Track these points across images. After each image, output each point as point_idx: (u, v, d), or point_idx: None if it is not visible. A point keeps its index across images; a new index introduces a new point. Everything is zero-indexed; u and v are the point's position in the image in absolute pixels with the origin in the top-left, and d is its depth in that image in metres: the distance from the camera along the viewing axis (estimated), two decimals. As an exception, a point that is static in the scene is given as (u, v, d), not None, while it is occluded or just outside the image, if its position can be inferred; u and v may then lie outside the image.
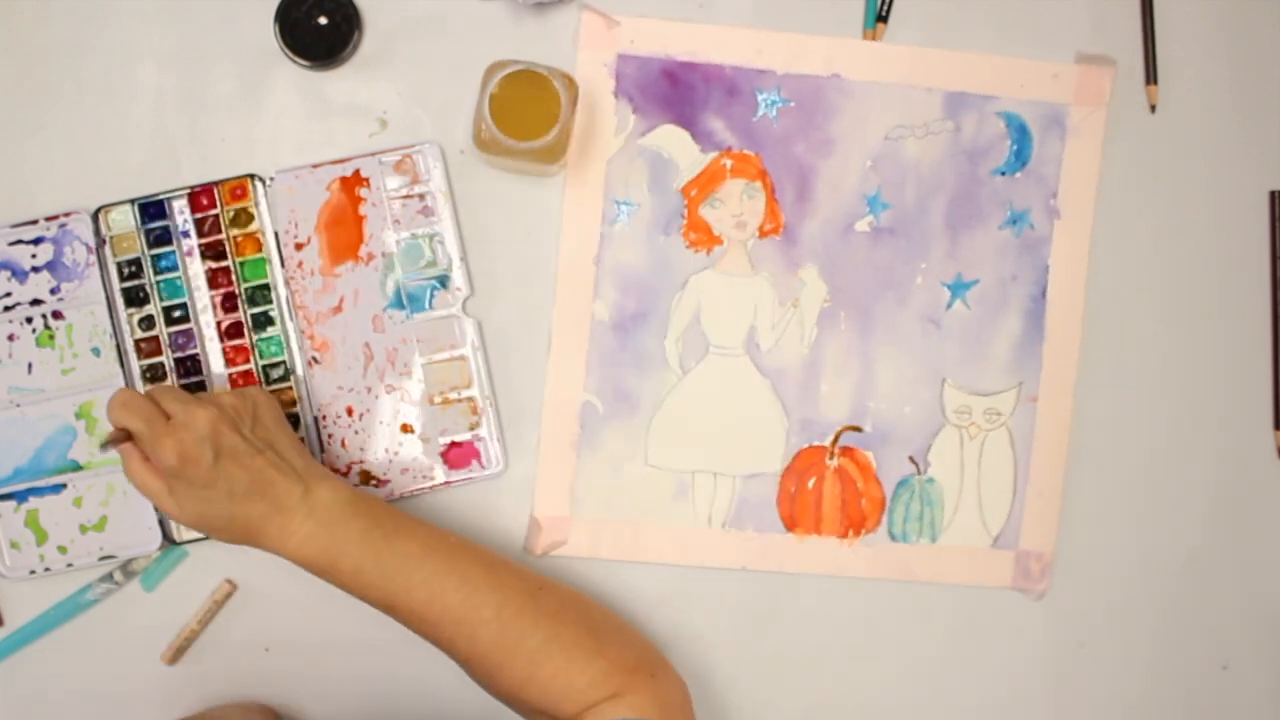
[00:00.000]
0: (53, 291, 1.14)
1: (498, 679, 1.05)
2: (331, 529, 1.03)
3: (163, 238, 1.15)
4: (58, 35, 1.16)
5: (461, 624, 1.03)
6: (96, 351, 1.14)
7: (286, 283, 1.15)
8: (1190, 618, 1.24)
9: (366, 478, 1.17)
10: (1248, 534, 1.24)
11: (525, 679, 1.03)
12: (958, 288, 1.21)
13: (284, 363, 1.16)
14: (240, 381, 1.15)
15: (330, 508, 1.04)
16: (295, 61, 1.16)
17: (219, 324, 1.15)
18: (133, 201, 1.14)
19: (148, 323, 1.15)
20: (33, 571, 1.15)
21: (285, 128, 1.17)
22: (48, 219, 1.14)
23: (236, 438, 1.03)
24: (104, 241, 1.14)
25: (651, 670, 1.05)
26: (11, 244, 1.14)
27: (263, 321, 1.15)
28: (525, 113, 1.06)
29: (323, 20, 1.15)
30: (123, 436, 1.03)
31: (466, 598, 1.03)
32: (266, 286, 1.15)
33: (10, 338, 1.14)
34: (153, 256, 1.15)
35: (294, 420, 1.16)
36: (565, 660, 1.03)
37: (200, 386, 1.15)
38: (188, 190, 1.15)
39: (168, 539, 1.15)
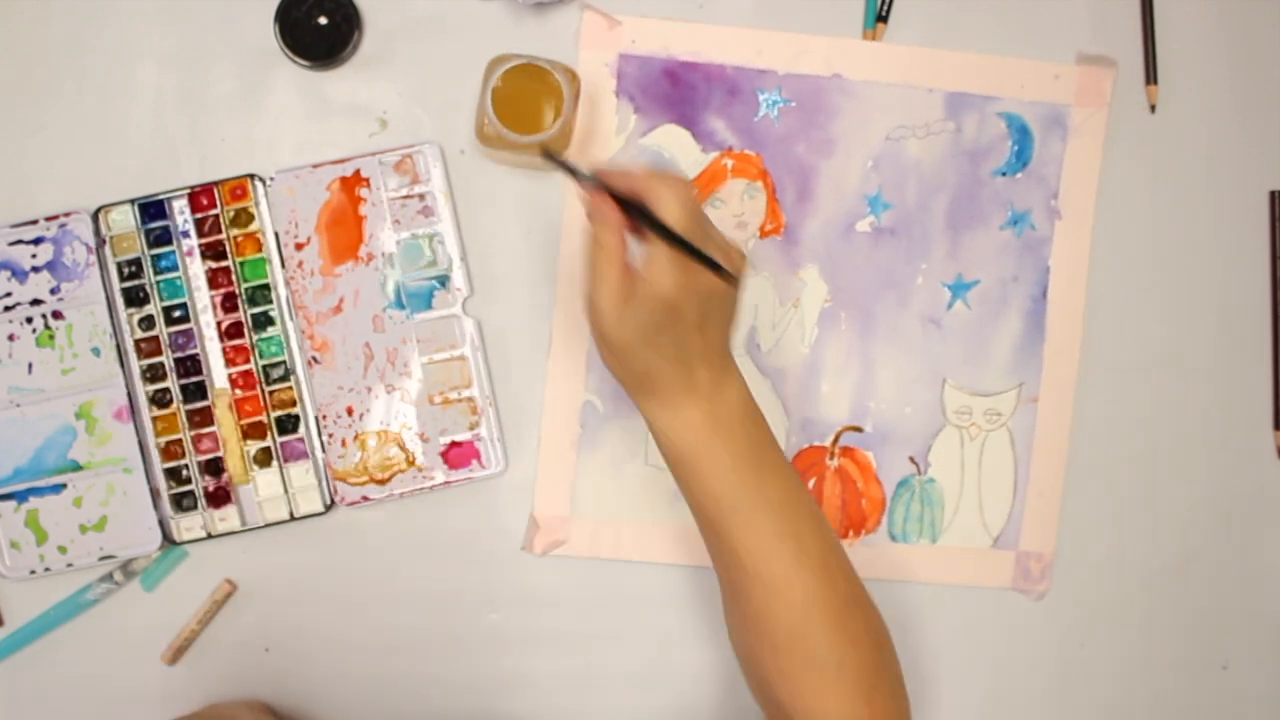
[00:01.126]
0: (53, 291, 1.13)
1: (763, 655, 0.98)
2: (718, 427, 0.96)
3: (163, 238, 1.14)
4: (58, 35, 1.15)
5: (771, 591, 0.96)
6: (96, 351, 1.13)
7: (287, 283, 1.14)
8: (1190, 618, 1.23)
9: (367, 478, 1.15)
10: (1248, 534, 1.23)
11: (786, 674, 0.97)
12: (958, 288, 1.20)
13: (284, 363, 1.15)
14: (240, 381, 1.14)
15: (731, 408, 0.97)
16: (295, 61, 1.15)
17: (219, 324, 1.14)
18: (133, 201, 1.13)
19: (148, 323, 1.14)
20: (33, 571, 1.14)
21: (285, 128, 1.16)
22: (48, 219, 1.13)
23: (720, 309, 0.95)
24: (104, 241, 1.13)
25: None
26: (11, 244, 1.13)
27: (263, 321, 1.14)
28: (527, 106, 1.06)
29: (323, 20, 1.14)
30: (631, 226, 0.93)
31: (789, 570, 0.96)
32: (267, 286, 1.14)
33: (10, 338, 1.13)
34: (153, 256, 1.14)
35: (293, 420, 1.15)
36: (834, 684, 0.96)
37: (201, 387, 1.14)
38: (188, 190, 1.14)
39: (168, 539, 1.14)
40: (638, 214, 0.91)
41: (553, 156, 0.94)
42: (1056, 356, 1.21)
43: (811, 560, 0.97)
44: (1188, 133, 1.22)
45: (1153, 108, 1.21)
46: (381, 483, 1.15)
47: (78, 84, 1.15)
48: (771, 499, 0.97)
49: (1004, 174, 1.20)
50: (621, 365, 0.95)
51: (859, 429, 1.20)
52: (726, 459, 0.96)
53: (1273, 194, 1.22)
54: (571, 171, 0.94)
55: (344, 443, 1.15)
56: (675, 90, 1.18)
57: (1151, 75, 1.21)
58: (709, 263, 0.91)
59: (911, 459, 1.21)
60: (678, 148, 1.18)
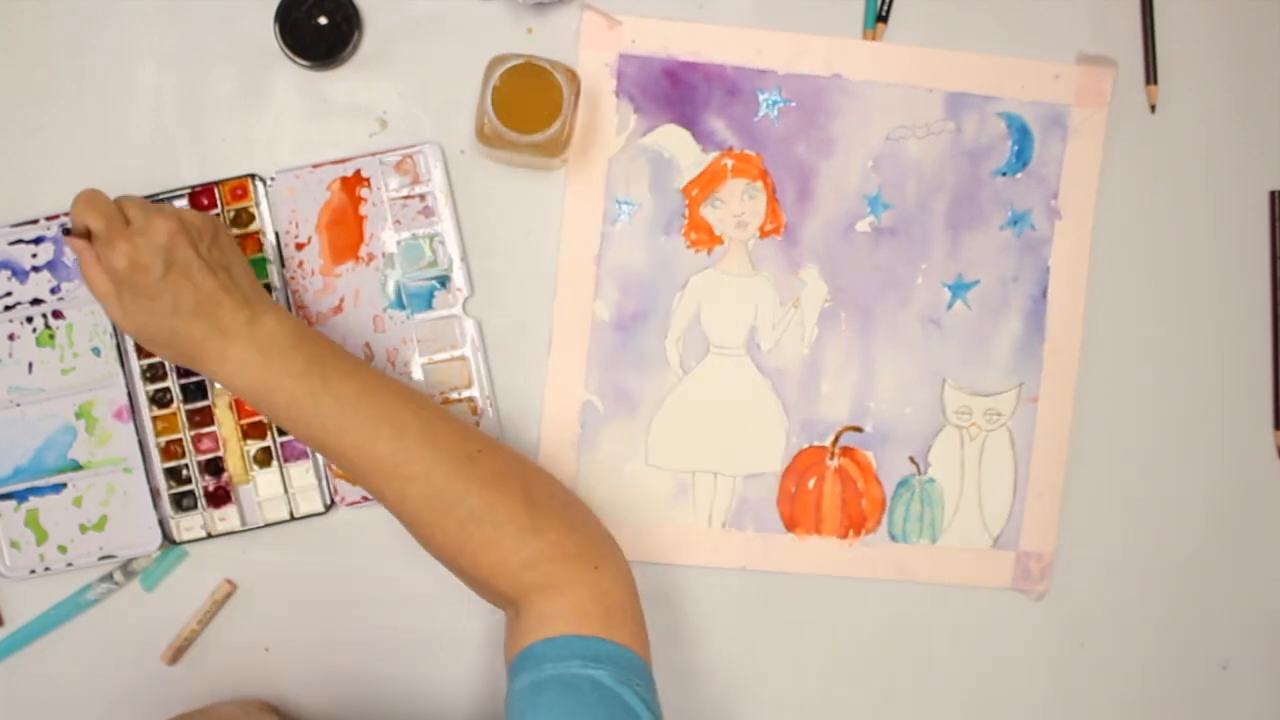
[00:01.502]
0: (53, 291, 1.12)
1: (430, 543, 1.01)
2: (269, 358, 1.00)
3: None
4: (58, 35, 1.14)
5: (391, 478, 0.99)
6: (97, 351, 1.13)
7: (287, 283, 1.14)
8: (1190, 618, 1.23)
9: None
10: (1248, 534, 1.23)
11: (456, 547, 0.99)
12: (958, 288, 1.19)
13: None
14: None
15: (273, 337, 1.01)
16: (295, 61, 1.14)
17: None
18: None
19: None
20: (33, 571, 1.13)
21: (285, 128, 1.16)
22: (48, 218, 1.12)
23: (191, 253, 1.00)
24: None
25: (595, 560, 1.00)
26: (12, 243, 1.12)
27: None
28: (528, 106, 1.05)
29: (323, 20, 1.14)
30: (83, 232, 1.01)
31: (396, 450, 0.99)
32: (267, 286, 1.13)
33: (10, 337, 1.12)
34: None
35: None
36: (496, 534, 0.98)
37: (201, 386, 1.13)
38: (188, 190, 1.13)
39: (168, 539, 1.13)
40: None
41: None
42: (1056, 356, 1.20)
43: (413, 432, 1.00)
44: (1188, 133, 1.21)
45: (1153, 108, 1.21)
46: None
47: (78, 84, 1.14)
48: (347, 395, 1.00)
49: (1004, 174, 1.19)
50: (157, 345, 1.01)
51: (859, 429, 1.19)
52: (289, 381, 1.00)
53: (1273, 194, 1.22)
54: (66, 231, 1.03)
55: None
56: (675, 90, 1.17)
57: (1151, 75, 1.20)
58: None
59: (911, 459, 1.20)
60: (678, 148, 1.17)
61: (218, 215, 1.06)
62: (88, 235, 1.01)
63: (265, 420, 1.14)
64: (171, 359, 1.03)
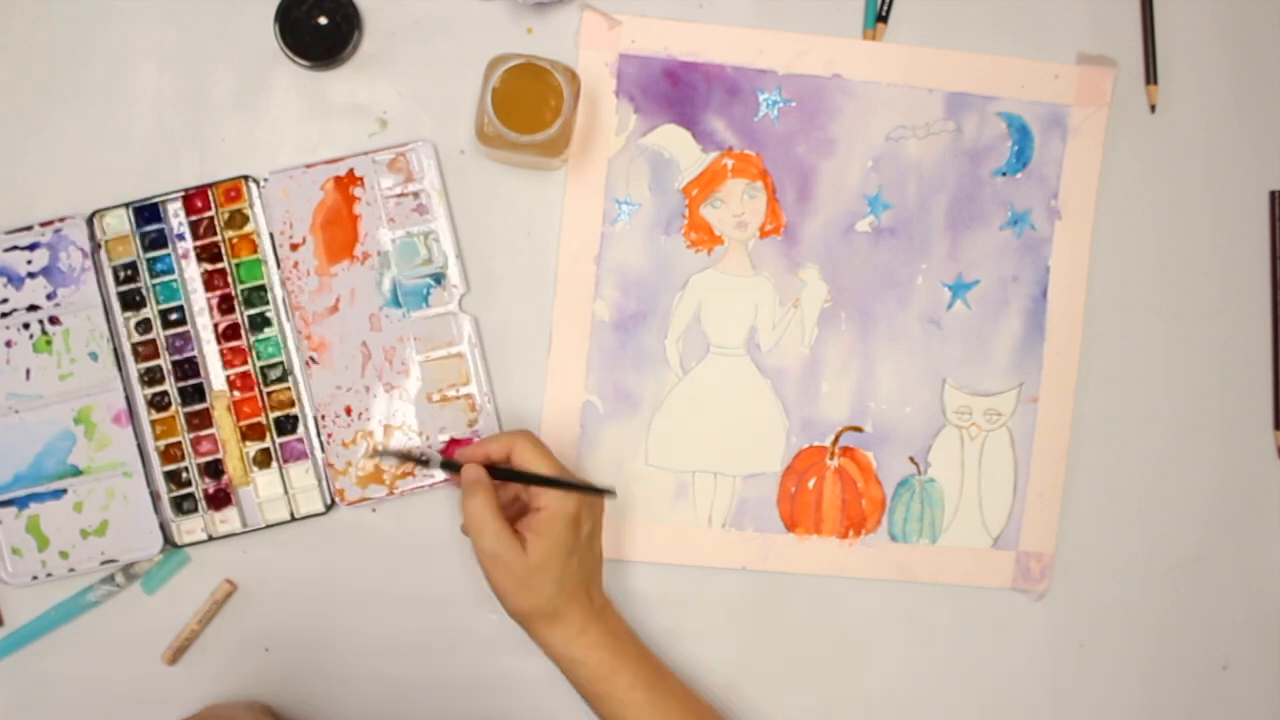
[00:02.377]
0: (49, 297, 1.11)
1: None
2: (620, 642, 1.07)
3: (158, 241, 1.12)
4: (58, 35, 1.13)
5: None
6: (94, 356, 1.11)
7: (283, 283, 1.12)
8: (1190, 618, 1.21)
9: (367, 478, 1.13)
10: (1248, 534, 1.21)
11: None
12: (958, 288, 1.18)
13: (281, 363, 1.13)
14: (238, 383, 1.12)
15: (620, 623, 1.09)
16: (295, 61, 1.13)
17: (216, 326, 1.12)
18: (127, 205, 1.12)
19: (145, 326, 1.12)
20: (35, 578, 1.12)
21: (285, 128, 1.14)
22: (42, 224, 1.11)
23: (600, 526, 1.08)
24: (99, 245, 1.11)
25: None
26: (7, 250, 1.11)
27: (260, 323, 1.12)
28: (528, 106, 1.04)
29: (323, 20, 1.12)
30: (487, 461, 1.05)
31: None
32: (263, 288, 1.12)
33: (7, 344, 1.11)
34: (148, 260, 1.12)
35: (292, 421, 1.13)
36: None
37: (199, 389, 1.12)
38: (182, 193, 1.12)
39: (169, 542, 1.12)
40: (507, 474, 1.04)
41: (410, 456, 1.08)
42: (1056, 356, 1.19)
43: None
44: (1188, 133, 1.20)
45: (1153, 108, 1.19)
46: (382, 481, 1.13)
47: (77, 85, 1.13)
48: (676, 695, 1.08)
49: (1004, 174, 1.18)
50: (533, 592, 1.03)
51: (859, 429, 1.18)
52: (634, 666, 1.07)
53: (1273, 194, 1.20)
54: (425, 462, 1.06)
55: (343, 442, 1.13)
56: (675, 90, 1.16)
57: (1151, 75, 1.19)
58: (584, 488, 1.04)
59: (911, 459, 1.18)
60: (678, 147, 1.16)
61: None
62: (488, 471, 1.04)
63: (264, 421, 1.12)
64: (526, 609, 1.04)
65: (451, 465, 1.05)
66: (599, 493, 1.05)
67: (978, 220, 1.18)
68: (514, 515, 1.05)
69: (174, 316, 1.11)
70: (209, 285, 1.12)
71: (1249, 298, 1.21)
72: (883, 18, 1.16)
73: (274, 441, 1.12)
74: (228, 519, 1.12)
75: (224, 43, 1.14)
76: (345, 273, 1.12)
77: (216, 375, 1.12)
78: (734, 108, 1.16)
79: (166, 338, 1.11)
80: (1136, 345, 1.20)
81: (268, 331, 1.12)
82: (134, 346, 1.11)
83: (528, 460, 1.03)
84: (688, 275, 1.16)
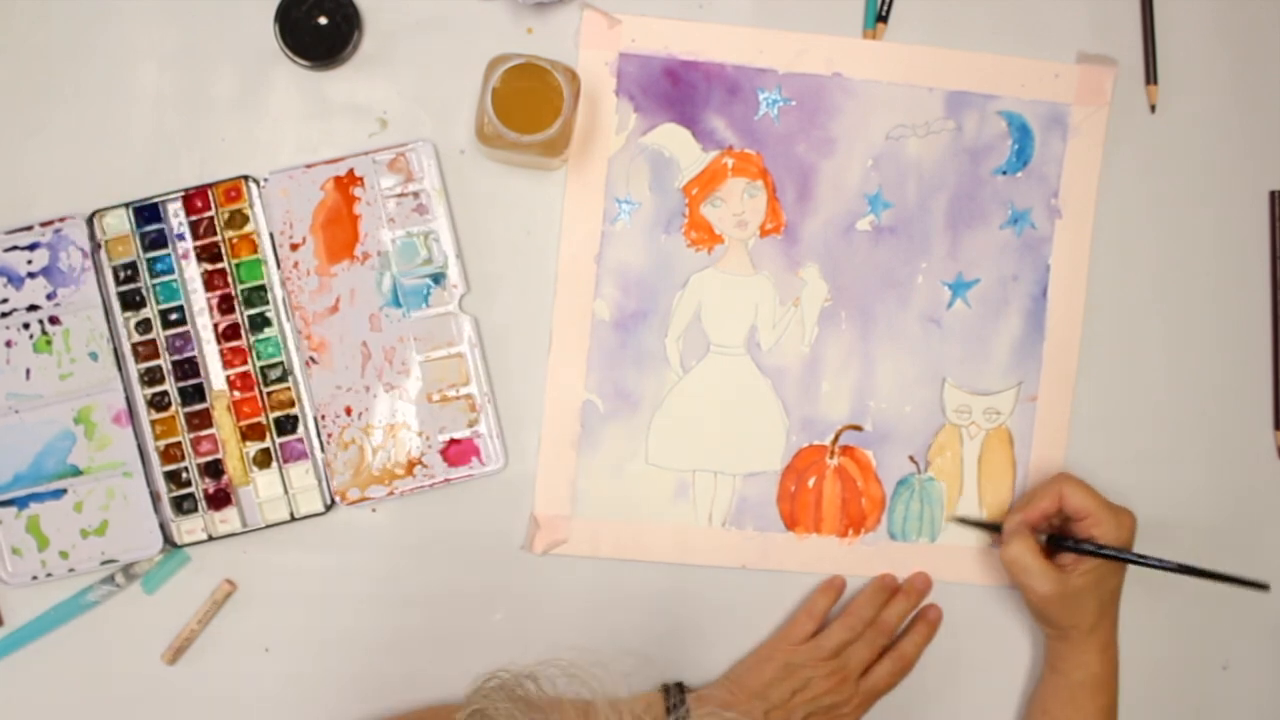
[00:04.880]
0: (49, 297, 1.10)
1: None
2: (1116, 671, 1.14)
3: (158, 241, 1.10)
4: (58, 35, 1.12)
5: None
6: (94, 356, 1.10)
7: (283, 283, 1.11)
8: (1190, 618, 1.20)
9: (367, 478, 1.12)
10: (1248, 534, 1.20)
11: None
12: (958, 287, 1.17)
13: (281, 363, 1.11)
14: (238, 383, 1.11)
15: (1117, 653, 1.15)
16: (295, 61, 1.12)
17: (216, 326, 1.11)
18: (127, 205, 1.10)
19: (144, 326, 1.10)
20: (35, 578, 1.10)
21: (285, 128, 1.13)
22: (43, 224, 1.10)
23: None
24: (99, 246, 1.10)
25: None
26: (7, 250, 1.10)
27: (260, 323, 1.11)
28: (528, 106, 1.03)
29: (323, 20, 1.11)
30: (1042, 523, 1.13)
31: None
32: (263, 288, 1.11)
33: (7, 344, 1.10)
34: (148, 260, 1.10)
35: (292, 421, 1.11)
36: None
37: (199, 389, 1.11)
38: (182, 193, 1.11)
39: (169, 542, 1.11)
40: (1069, 547, 1.10)
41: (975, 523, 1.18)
42: (1056, 356, 1.18)
43: None
44: (1188, 133, 1.19)
45: (1153, 108, 1.18)
46: (382, 481, 1.12)
47: (77, 85, 1.12)
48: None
49: (1004, 173, 1.17)
50: (1075, 612, 1.10)
51: (859, 428, 1.17)
52: (1113, 685, 1.14)
53: (1273, 194, 1.19)
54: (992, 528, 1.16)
55: (343, 442, 1.12)
56: (675, 89, 1.15)
57: (1151, 75, 1.18)
58: (1231, 579, 1.09)
59: (911, 458, 1.17)
60: (678, 146, 1.15)
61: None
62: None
63: (264, 422, 1.11)
64: (1070, 622, 1.11)
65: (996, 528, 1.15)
66: (1248, 585, 1.08)
67: (978, 219, 1.17)
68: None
69: (174, 316, 1.10)
70: (209, 285, 1.11)
71: (1249, 298, 1.20)
72: (883, 17, 1.15)
73: (274, 441, 1.11)
74: (228, 519, 1.11)
75: (224, 43, 1.12)
76: (345, 273, 1.11)
77: (216, 375, 1.11)
78: (734, 107, 1.15)
79: (166, 338, 1.10)
80: (1136, 345, 1.19)
81: (268, 331, 1.11)
82: (134, 346, 1.10)
83: (1075, 503, 1.09)
84: (688, 274, 1.15)
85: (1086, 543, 1.08)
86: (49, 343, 1.09)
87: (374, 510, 1.13)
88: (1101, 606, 1.10)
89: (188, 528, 1.11)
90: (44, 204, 1.11)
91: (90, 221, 1.10)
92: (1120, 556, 1.08)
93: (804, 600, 1.16)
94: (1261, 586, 1.07)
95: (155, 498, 1.10)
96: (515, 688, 0.86)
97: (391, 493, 1.12)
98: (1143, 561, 1.08)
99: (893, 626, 1.15)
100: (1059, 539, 1.10)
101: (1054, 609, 1.09)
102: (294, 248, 1.11)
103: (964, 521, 1.16)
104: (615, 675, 0.88)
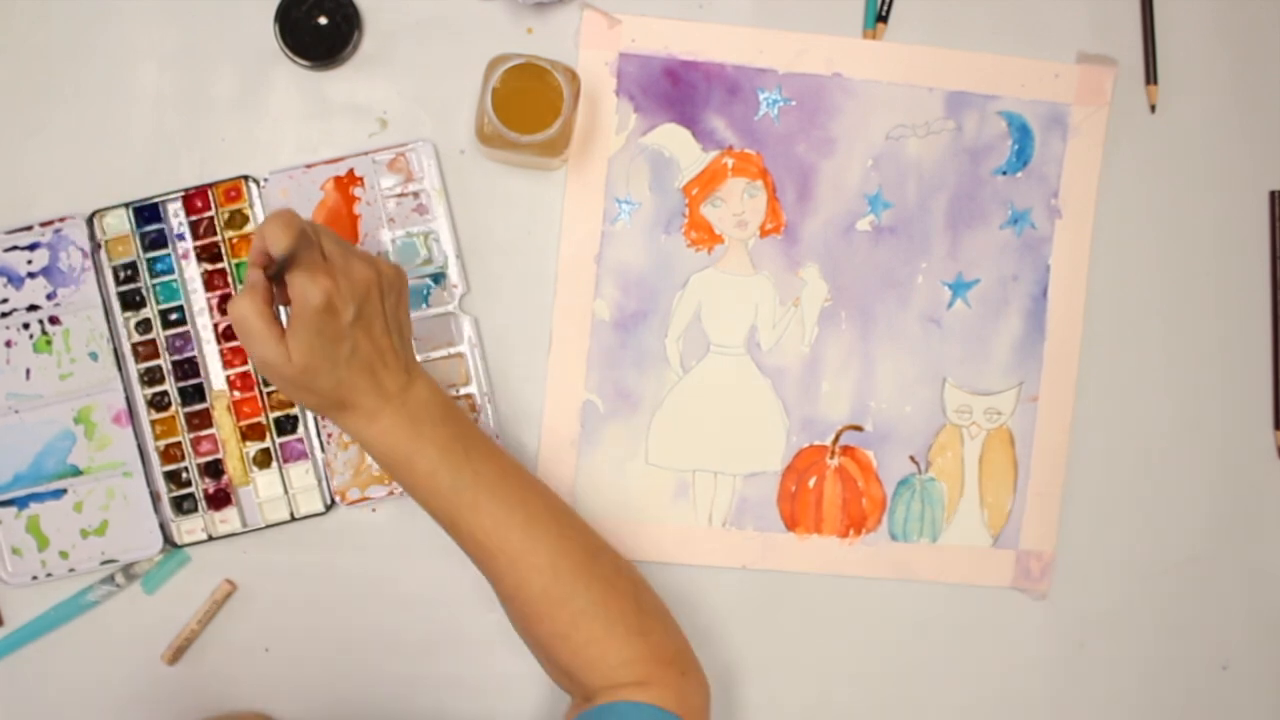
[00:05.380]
0: (49, 297, 1.09)
1: (534, 628, 1.00)
2: (418, 426, 0.97)
3: (158, 241, 1.10)
4: (58, 35, 1.12)
5: (517, 562, 0.98)
6: (94, 356, 1.10)
7: (283, 284, 1.10)
8: (1190, 618, 1.20)
9: (367, 478, 1.12)
10: (1248, 534, 1.20)
11: (561, 636, 0.99)
12: (959, 287, 1.17)
13: None
14: (238, 383, 1.11)
15: (425, 405, 0.98)
16: (295, 61, 1.11)
17: (216, 326, 1.11)
18: (127, 205, 1.10)
19: (145, 326, 1.10)
20: (35, 577, 1.10)
21: (285, 128, 1.13)
22: (43, 224, 1.09)
23: (379, 306, 0.95)
24: (99, 246, 1.10)
25: (684, 668, 1.01)
26: (7, 250, 1.09)
27: None
28: (528, 106, 1.03)
29: (323, 20, 1.11)
30: (264, 261, 0.92)
31: (527, 536, 0.98)
32: None
33: (7, 344, 1.09)
34: (148, 260, 1.10)
35: (292, 421, 1.11)
36: (605, 631, 0.98)
37: (199, 389, 1.10)
38: (182, 193, 1.10)
39: (169, 542, 1.10)
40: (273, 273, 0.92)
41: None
42: (1056, 355, 1.17)
43: (544, 523, 0.99)
44: (1188, 133, 1.18)
45: (1153, 108, 1.18)
46: (382, 481, 1.12)
47: (77, 85, 1.12)
48: (487, 478, 0.99)
49: (1004, 173, 1.16)
50: (312, 391, 0.94)
51: (859, 428, 1.16)
52: (434, 452, 0.97)
53: (1273, 194, 1.19)
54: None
55: (344, 442, 1.11)
56: (675, 89, 1.14)
57: (1151, 75, 1.17)
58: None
59: (912, 458, 1.17)
60: (678, 146, 1.15)
61: (403, 272, 1.00)
62: (269, 263, 0.92)
63: (264, 422, 1.11)
64: (313, 406, 0.97)
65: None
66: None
67: (978, 219, 1.16)
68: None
69: (174, 316, 1.10)
70: (209, 285, 1.10)
71: (1249, 298, 1.19)
72: (883, 17, 1.15)
73: (274, 441, 1.11)
74: (228, 519, 1.11)
75: (224, 43, 1.12)
76: (345, 272, 1.11)
77: (216, 375, 1.10)
78: (734, 107, 1.15)
79: (166, 338, 1.10)
80: (1136, 345, 1.19)
81: (268, 331, 1.10)
82: (134, 346, 1.10)
83: (272, 240, 0.89)
84: (688, 274, 1.15)
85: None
86: (49, 343, 1.09)
87: (374, 510, 1.13)
88: (338, 380, 0.94)
89: (188, 528, 1.11)
90: (44, 204, 1.11)
91: (90, 221, 1.10)
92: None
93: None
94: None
95: (155, 498, 1.10)
96: None
97: (391, 493, 1.12)
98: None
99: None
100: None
101: (282, 383, 0.95)
102: (294, 248, 1.10)
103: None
104: None
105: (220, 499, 1.11)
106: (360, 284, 0.93)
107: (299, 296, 0.91)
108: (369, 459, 1.11)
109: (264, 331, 0.91)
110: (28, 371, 1.09)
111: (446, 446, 0.98)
